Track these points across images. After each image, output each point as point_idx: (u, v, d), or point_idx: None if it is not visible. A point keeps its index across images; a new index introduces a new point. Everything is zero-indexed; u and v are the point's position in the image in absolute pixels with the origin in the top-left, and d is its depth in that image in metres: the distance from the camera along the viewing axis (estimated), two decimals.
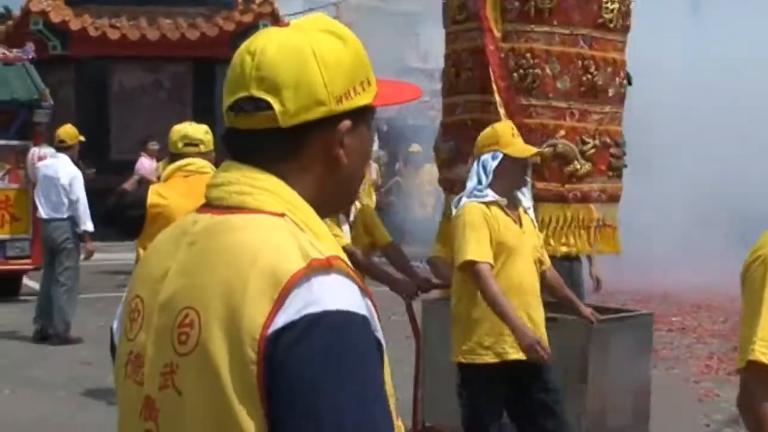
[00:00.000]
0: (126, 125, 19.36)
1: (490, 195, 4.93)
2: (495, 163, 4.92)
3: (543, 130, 5.88)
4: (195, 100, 19.79)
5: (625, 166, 6.31)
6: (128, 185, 5.12)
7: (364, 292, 1.50)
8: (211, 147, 5.68)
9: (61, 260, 10.13)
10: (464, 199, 5.00)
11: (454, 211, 5.07)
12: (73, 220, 10.11)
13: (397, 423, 1.60)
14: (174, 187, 5.34)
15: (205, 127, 5.76)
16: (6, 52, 13.77)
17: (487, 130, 5.11)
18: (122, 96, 20.13)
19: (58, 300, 10.09)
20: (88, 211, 10.02)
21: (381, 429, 1.44)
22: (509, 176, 4.96)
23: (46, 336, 10.11)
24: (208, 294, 1.48)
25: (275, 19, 19.76)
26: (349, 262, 1.51)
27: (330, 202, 1.65)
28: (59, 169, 10.22)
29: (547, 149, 5.80)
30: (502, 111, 5.83)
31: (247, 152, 1.60)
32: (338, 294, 1.45)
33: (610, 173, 6.14)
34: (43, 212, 10.33)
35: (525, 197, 5.13)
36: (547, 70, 5.89)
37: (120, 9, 19.51)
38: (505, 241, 4.89)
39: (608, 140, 6.09)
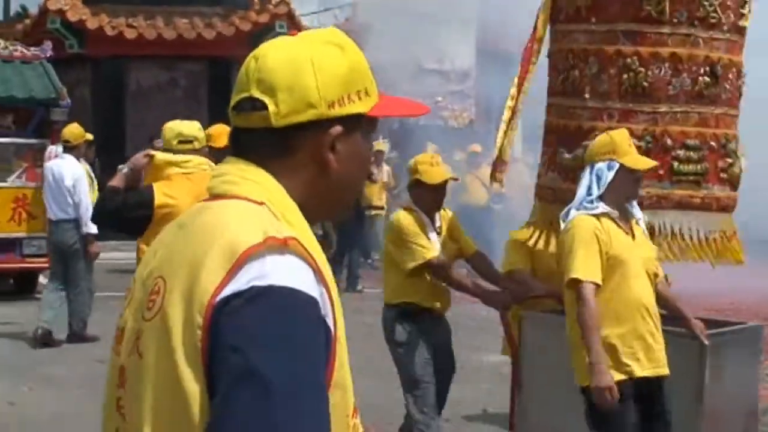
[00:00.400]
0: (141, 124, 19.40)
1: (601, 207, 4.71)
2: (611, 174, 4.72)
3: (578, 132, 5.63)
4: (210, 99, 19.83)
5: (702, 172, 5.72)
6: (117, 182, 5.14)
7: (321, 279, 1.55)
8: (205, 143, 5.81)
9: (75, 261, 10.12)
10: (573, 211, 4.78)
11: (561, 224, 4.85)
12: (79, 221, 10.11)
13: (354, 420, 1.65)
14: (180, 187, 5.38)
15: (197, 124, 5.88)
16: (24, 50, 13.85)
17: (603, 137, 4.89)
18: (138, 95, 20.19)
19: (75, 299, 10.11)
20: (90, 213, 9.93)
21: (310, 395, 1.46)
22: (624, 187, 4.75)
23: (50, 341, 9.98)
24: (176, 265, 1.57)
25: (291, 19, 19.78)
26: (308, 248, 1.56)
27: (323, 206, 1.72)
28: (64, 170, 10.18)
29: (579, 151, 5.52)
30: (510, 103, 5.76)
31: (245, 149, 1.70)
32: (289, 272, 1.50)
33: (675, 178, 5.61)
34: (51, 213, 10.30)
35: (635, 208, 4.93)
36: (585, 71, 5.64)
37: (137, 8, 19.56)
38: (618, 254, 4.66)
39: (669, 142, 5.59)
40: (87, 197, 10.09)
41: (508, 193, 15.94)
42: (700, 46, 5.58)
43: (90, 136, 10.56)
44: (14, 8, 23.35)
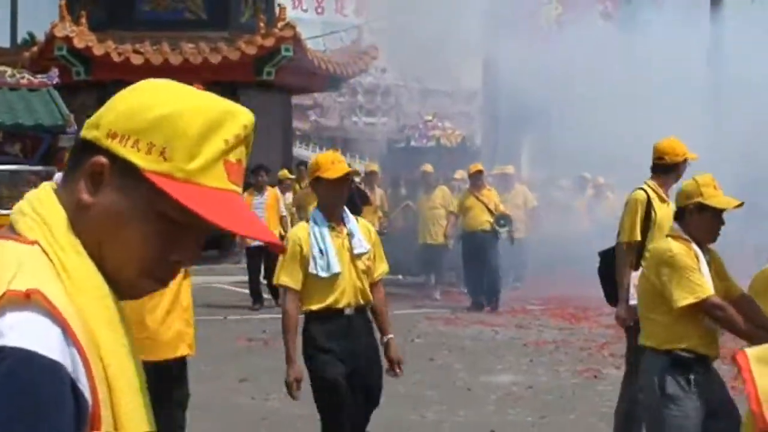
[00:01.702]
0: None
1: None
2: None
3: None
4: None
5: None
6: None
7: (72, 338, 1.38)
8: None
9: None
10: None
11: None
12: None
13: None
14: None
15: None
16: (30, 78, 13.93)
17: None
18: None
19: None
20: None
21: None
22: None
23: None
24: None
25: (297, 43, 19.83)
26: (55, 302, 1.38)
27: (95, 256, 1.49)
28: None
29: None
30: None
31: None
32: (26, 331, 1.34)
33: None
34: None
35: None
36: None
37: (143, 34, 19.65)
38: None
39: None
40: None
41: (513, 214, 15.61)
42: None
43: None
44: (21, 36, 23.47)
